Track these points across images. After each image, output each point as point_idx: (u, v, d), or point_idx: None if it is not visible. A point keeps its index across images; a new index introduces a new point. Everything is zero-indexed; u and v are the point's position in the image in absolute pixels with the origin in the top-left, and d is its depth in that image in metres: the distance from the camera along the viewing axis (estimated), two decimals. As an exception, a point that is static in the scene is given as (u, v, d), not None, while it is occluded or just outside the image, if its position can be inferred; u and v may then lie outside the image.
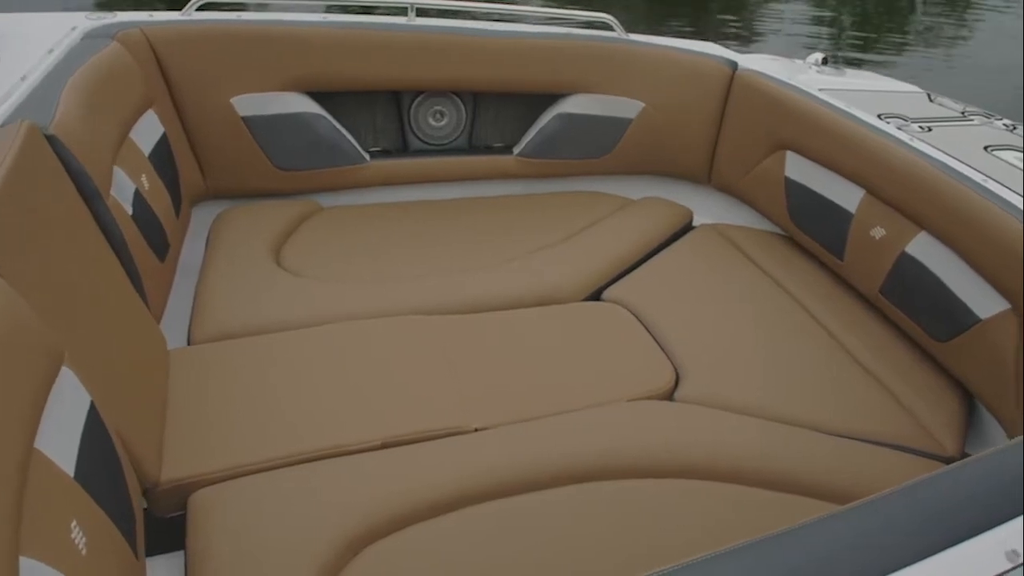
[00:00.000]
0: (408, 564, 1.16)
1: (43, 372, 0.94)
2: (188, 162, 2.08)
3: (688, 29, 7.95)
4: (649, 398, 1.57)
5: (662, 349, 1.72)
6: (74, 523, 0.87)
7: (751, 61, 2.32)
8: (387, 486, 1.27)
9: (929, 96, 2.27)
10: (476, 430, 1.44)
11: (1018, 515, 0.77)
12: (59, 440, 0.93)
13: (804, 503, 1.34)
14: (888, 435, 1.53)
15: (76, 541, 0.86)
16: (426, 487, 1.28)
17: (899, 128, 1.88)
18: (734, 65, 2.27)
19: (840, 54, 7.36)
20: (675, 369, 1.67)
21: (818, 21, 8.95)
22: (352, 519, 1.20)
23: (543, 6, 8.10)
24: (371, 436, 1.39)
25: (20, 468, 0.81)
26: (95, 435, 1.01)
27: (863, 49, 7.52)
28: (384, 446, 1.38)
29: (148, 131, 1.79)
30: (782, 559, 0.72)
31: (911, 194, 1.69)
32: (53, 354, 0.98)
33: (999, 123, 2.08)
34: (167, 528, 1.29)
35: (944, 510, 0.78)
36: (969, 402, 1.66)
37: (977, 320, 1.54)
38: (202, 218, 2.19)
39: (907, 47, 7.94)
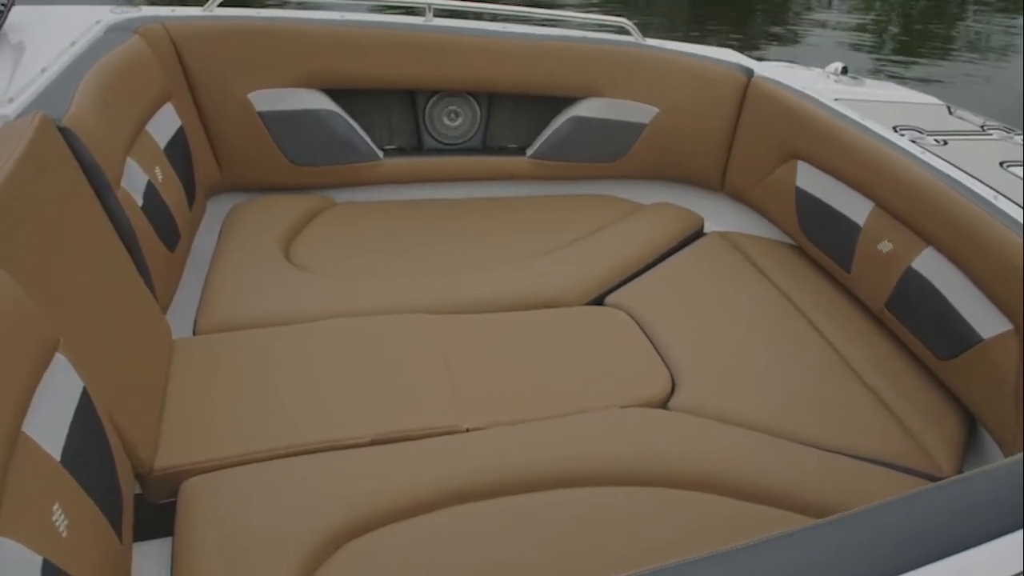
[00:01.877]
0: (388, 560, 1.18)
1: (35, 358, 0.97)
2: (205, 155, 2.12)
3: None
4: (643, 405, 1.57)
5: (660, 356, 1.72)
6: (56, 506, 0.90)
7: (767, 69, 2.30)
8: (374, 482, 1.29)
9: (949, 109, 2.23)
10: (467, 430, 1.46)
11: (984, 542, 0.77)
12: (48, 425, 0.96)
13: (790, 518, 1.33)
14: (884, 453, 1.51)
15: (57, 524, 0.89)
16: (412, 485, 1.30)
17: (914, 141, 1.85)
18: (750, 72, 2.25)
19: (883, 67, 7.21)
20: (672, 377, 1.67)
21: (862, 31, 8.81)
22: (337, 513, 1.23)
23: (578, 10, 8.06)
24: (363, 432, 1.41)
25: (5, 451, 0.84)
26: (85, 421, 1.05)
27: (905, 62, 7.36)
28: (374, 442, 1.40)
29: (165, 124, 1.84)
30: (750, 570, 0.73)
31: (919, 208, 1.67)
32: (47, 340, 1.01)
33: (1019, 138, 2.04)
34: (161, 514, 1.32)
35: (917, 529, 0.77)
36: (970, 423, 1.64)
37: (979, 339, 1.52)
38: (218, 210, 2.24)
39: (952, 57, 7.76)
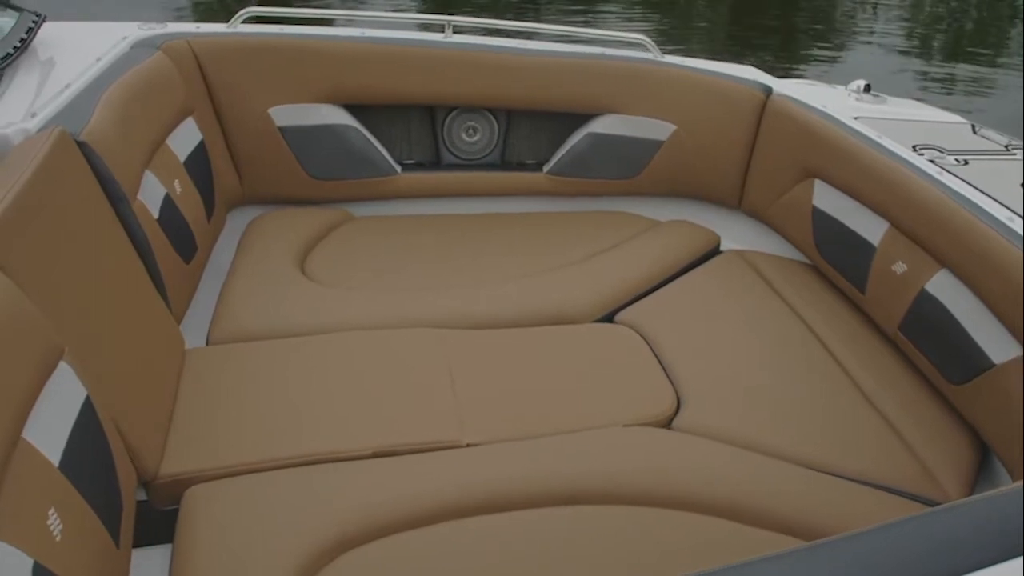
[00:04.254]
0: (382, 572, 1.19)
1: (38, 366, 1.00)
2: (227, 168, 2.17)
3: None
4: (646, 424, 1.57)
5: (667, 375, 1.71)
6: (52, 511, 0.93)
7: (787, 86, 2.29)
8: (372, 495, 1.30)
9: (973, 128, 2.20)
10: (468, 445, 1.47)
11: (982, 568, 0.75)
12: (48, 431, 0.99)
13: (787, 542, 1.31)
14: (891, 478, 1.48)
15: (52, 528, 0.92)
16: (410, 498, 1.31)
17: (933, 160, 1.82)
18: (768, 90, 2.24)
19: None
20: (677, 396, 1.66)
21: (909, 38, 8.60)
22: (334, 524, 1.24)
23: (617, 26, 8.03)
24: (364, 444, 1.42)
25: (3, 456, 0.87)
26: (87, 428, 1.07)
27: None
28: (375, 455, 1.41)
29: (186, 138, 1.88)
30: None
31: (932, 229, 1.65)
32: (51, 349, 1.05)
33: None
34: (166, 520, 1.35)
35: (913, 554, 0.76)
36: (983, 450, 1.60)
37: (991, 365, 1.49)
38: (239, 222, 2.28)
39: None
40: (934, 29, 9.29)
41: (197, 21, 2.27)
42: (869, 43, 8.26)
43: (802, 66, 7.21)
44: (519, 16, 8.45)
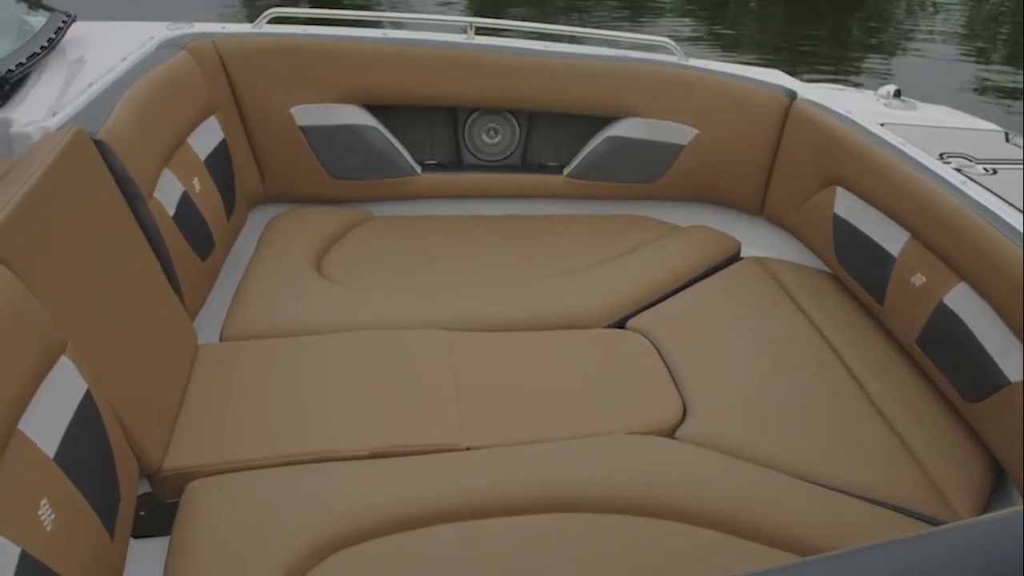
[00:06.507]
0: (370, 573, 1.20)
1: (38, 359, 1.03)
2: (249, 166, 2.20)
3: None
4: (650, 433, 1.55)
5: (675, 384, 1.69)
6: (44, 501, 0.96)
7: (813, 91, 2.24)
8: (367, 496, 1.31)
9: (1007, 135, 2.13)
10: (467, 449, 1.47)
11: None
12: (45, 424, 1.02)
13: (784, 557, 1.29)
14: (900, 496, 1.45)
15: (43, 518, 0.94)
16: (405, 500, 1.32)
17: (959, 169, 1.77)
18: (792, 94, 2.20)
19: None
20: (684, 405, 1.64)
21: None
22: (326, 523, 1.25)
23: (668, 29, 7.89)
24: (364, 445, 1.44)
25: None
26: (86, 421, 1.10)
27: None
28: (373, 456, 1.43)
29: (207, 137, 1.92)
30: None
31: (952, 241, 1.60)
32: (52, 343, 1.08)
33: None
34: (171, 512, 1.38)
35: (909, 574, 0.74)
36: (998, 470, 1.56)
37: (1007, 382, 1.45)
38: (261, 220, 2.31)
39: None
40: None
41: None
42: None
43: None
44: (568, 17, 8.39)
